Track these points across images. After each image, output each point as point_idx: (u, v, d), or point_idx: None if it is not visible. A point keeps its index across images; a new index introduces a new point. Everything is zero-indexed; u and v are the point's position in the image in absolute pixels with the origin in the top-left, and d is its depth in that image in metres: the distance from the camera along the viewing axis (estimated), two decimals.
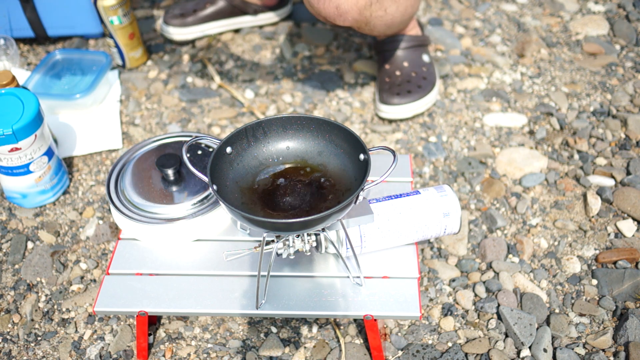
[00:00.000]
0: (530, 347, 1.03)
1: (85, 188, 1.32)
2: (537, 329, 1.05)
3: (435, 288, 1.12)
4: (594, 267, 1.14)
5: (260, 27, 1.72)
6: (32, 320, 1.10)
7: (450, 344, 1.04)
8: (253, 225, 0.84)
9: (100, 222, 1.25)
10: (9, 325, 1.09)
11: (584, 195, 1.25)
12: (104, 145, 1.40)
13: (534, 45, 1.62)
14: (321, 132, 0.94)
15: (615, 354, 1.01)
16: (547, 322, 1.06)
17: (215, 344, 1.06)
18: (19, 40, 1.67)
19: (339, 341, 1.05)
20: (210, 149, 1.09)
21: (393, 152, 0.87)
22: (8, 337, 1.08)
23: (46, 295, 1.14)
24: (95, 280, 1.16)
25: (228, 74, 1.58)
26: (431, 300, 1.10)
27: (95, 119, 1.46)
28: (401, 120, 1.42)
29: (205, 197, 1.02)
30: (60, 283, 1.15)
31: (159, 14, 1.79)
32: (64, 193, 1.30)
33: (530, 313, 1.07)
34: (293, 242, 0.93)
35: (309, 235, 0.93)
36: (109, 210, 1.26)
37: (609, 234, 1.19)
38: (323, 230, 0.89)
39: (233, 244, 1.02)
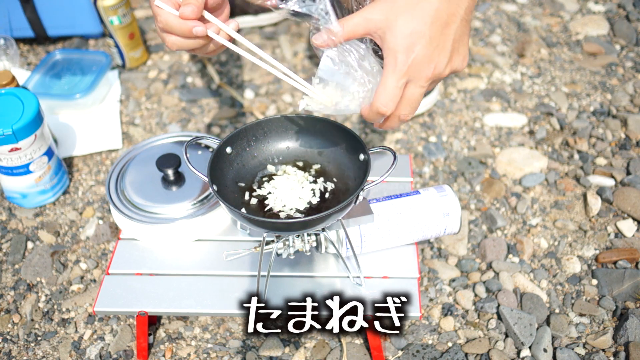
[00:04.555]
0: (530, 347, 1.03)
1: (85, 188, 1.32)
2: (537, 329, 1.05)
3: (435, 288, 1.12)
4: (594, 267, 1.14)
5: (261, 27, 1.72)
6: (32, 320, 1.10)
7: (450, 344, 1.04)
8: (253, 225, 0.85)
9: (100, 222, 1.25)
10: (9, 325, 1.09)
11: (584, 195, 1.25)
12: (104, 145, 1.40)
13: (534, 45, 1.62)
14: (321, 132, 0.94)
15: (615, 354, 1.01)
16: (547, 322, 1.06)
17: (215, 344, 1.06)
18: (19, 40, 1.67)
19: (339, 341, 1.05)
20: (210, 149, 1.09)
21: (393, 152, 0.87)
22: (8, 337, 1.08)
23: (46, 295, 1.14)
24: (95, 280, 1.16)
25: (228, 74, 1.58)
26: (431, 300, 1.10)
27: (95, 119, 1.46)
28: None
29: (205, 197, 1.02)
30: (60, 283, 1.15)
31: None
32: (64, 193, 1.30)
33: (530, 313, 1.07)
34: (293, 242, 0.93)
35: (309, 235, 0.93)
36: (109, 210, 1.26)
37: (609, 234, 1.19)
38: (323, 230, 0.89)
39: (233, 244, 1.02)
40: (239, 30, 0.84)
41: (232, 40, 0.84)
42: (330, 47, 0.77)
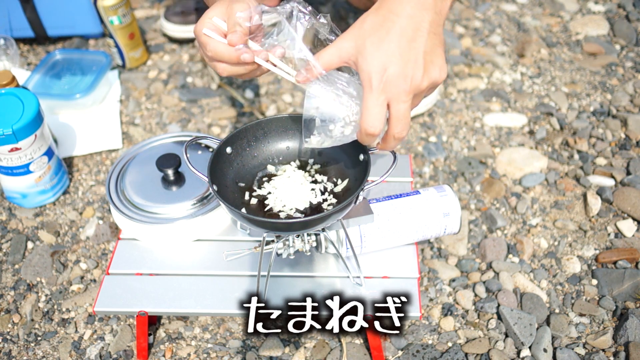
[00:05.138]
0: (530, 347, 1.03)
1: (85, 188, 1.32)
2: (537, 329, 1.05)
3: (435, 288, 1.12)
4: (594, 267, 1.14)
5: None
6: (32, 320, 1.10)
7: (450, 344, 1.04)
8: (253, 225, 0.84)
9: (100, 222, 1.25)
10: (9, 325, 1.09)
11: (584, 195, 1.25)
12: (104, 145, 1.40)
13: (534, 45, 1.62)
14: None
15: (615, 354, 1.01)
16: (547, 322, 1.06)
17: (215, 344, 1.06)
18: (19, 40, 1.67)
19: (339, 341, 1.05)
20: (210, 149, 1.09)
21: (393, 152, 0.86)
22: (8, 337, 1.08)
23: (46, 295, 1.14)
24: (95, 280, 1.16)
25: None
26: (431, 300, 1.10)
27: (95, 119, 1.46)
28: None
29: (205, 197, 1.02)
30: (60, 283, 1.15)
31: (159, 14, 1.79)
32: (64, 193, 1.30)
33: (530, 313, 1.07)
34: (293, 242, 0.93)
35: (309, 235, 0.93)
36: (109, 210, 1.26)
37: (609, 234, 1.19)
38: (323, 230, 0.89)
39: (233, 244, 1.02)
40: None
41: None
42: (312, 82, 0.81)
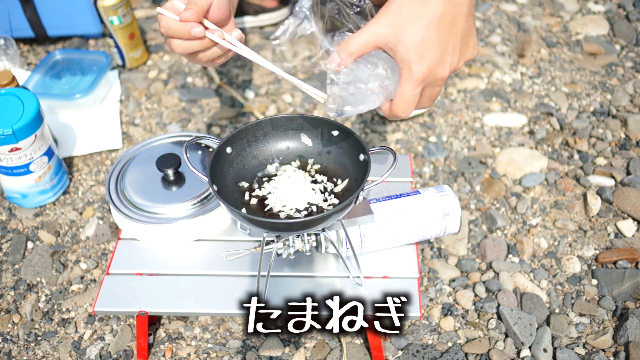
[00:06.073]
0: (530, 347, 1.03)
1: (85, 188, 1.32)
2: (537, 329, 1.05)
3: (435, 288, 1.12)
4: (594, 267, 1.14)
5: (261, 27, 1.72)
6: (32, 320, 1.10)
7: (450, 344, 1.04)
8: (253, 225, 0.84)
9: (100, 222, 1.25)
10: (9, 325, 1.09)
11: (584, 195, 1.25)
12: (104, 145, 1.40)
13: (534, 45, 1.62)
14: (321, 132, 0.94)
15: (615, 354, 1.01)
16: (547, 322, 1.06)
17: (215, 344, 1.06)
18: (19, 40, 1.67)
19: (339, 341, 1.05)
20: (210, 149, 1.09)
21: (393, 152, 0.87)
22: (8, 337, 1.08)
23: (46, 295, 1.14)
24: (95, 280, 1.16)
25: (228, 74, 1.58)
26: (431, 300, 1.10)
27: (95, 119, 1.46)
28: (401, 120, 1.42)
29: (205, 197, 1.02)
30: (60, 283, 1.15)
31: None
32: (64, 193, 1.30)
33: (530, 313, 1.07)
34: (293, 242, 0.93)
35: (309, 235, 0.93)
36: (109, 210, 1.26)
37: (609, 234, 1.19)
38: (323, 230, 0.89)
39: (233, 244, 1.02)
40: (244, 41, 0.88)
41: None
42: (344, 68, 0.80)
